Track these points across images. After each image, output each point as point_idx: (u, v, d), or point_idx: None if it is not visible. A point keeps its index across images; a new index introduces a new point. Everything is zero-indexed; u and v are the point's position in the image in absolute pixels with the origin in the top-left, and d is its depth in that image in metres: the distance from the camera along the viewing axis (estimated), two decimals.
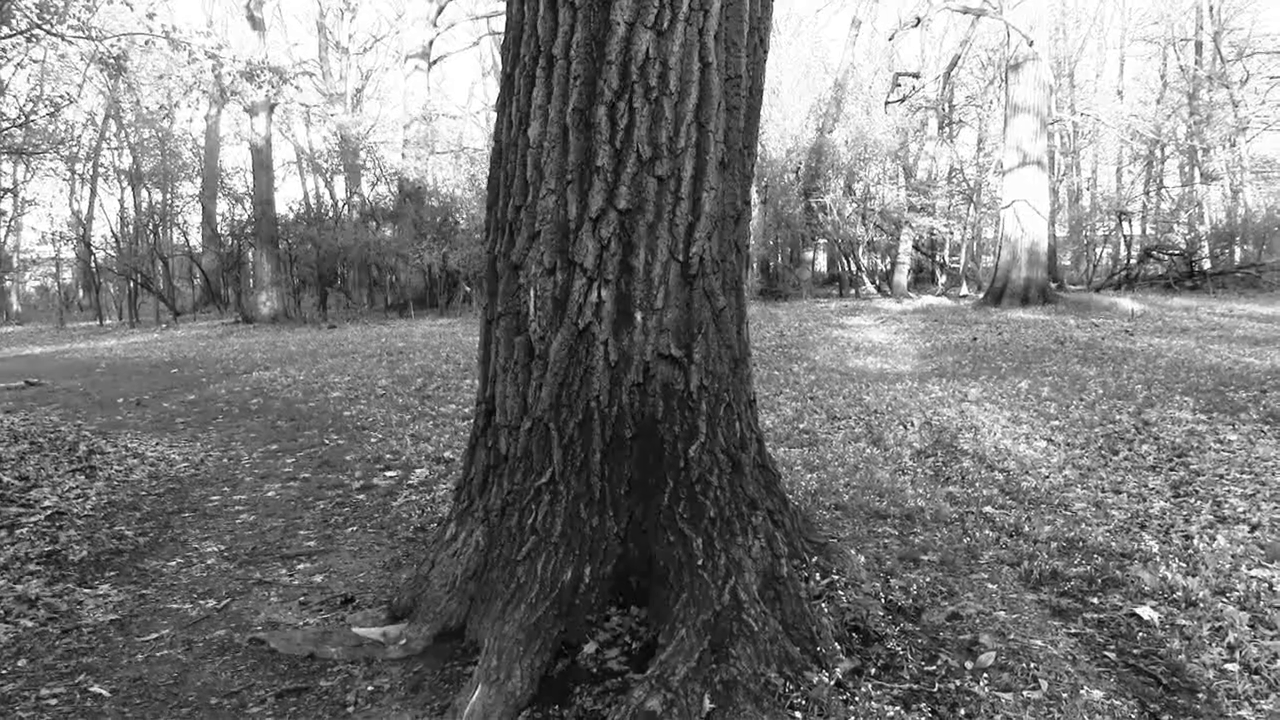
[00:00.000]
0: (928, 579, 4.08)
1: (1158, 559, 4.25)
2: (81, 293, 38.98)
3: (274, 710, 3.09)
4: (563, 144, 3.33)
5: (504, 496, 3.55)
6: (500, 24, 32.31)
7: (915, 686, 3.09)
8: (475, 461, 3.75)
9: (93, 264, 30.09)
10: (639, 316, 3.37)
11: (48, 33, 10.84)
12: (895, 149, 27.86)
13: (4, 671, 3.40)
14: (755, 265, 26.56)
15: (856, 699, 2.98)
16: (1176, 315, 16.46)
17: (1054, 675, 3.16)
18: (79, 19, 10.75)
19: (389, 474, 6.53)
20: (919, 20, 21.85)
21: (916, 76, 26.33)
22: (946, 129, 32.83)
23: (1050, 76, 21.93)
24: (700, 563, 3.26)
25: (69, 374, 13.20)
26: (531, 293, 3.43)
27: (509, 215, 3.52)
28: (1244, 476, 5.54)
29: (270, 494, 6.12)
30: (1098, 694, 3.04)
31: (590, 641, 3.31)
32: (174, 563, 4.71)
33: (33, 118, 16.22)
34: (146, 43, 14.08)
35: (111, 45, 12.91)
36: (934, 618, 3.64)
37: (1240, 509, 4.92)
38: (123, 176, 30.72)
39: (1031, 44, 19.93)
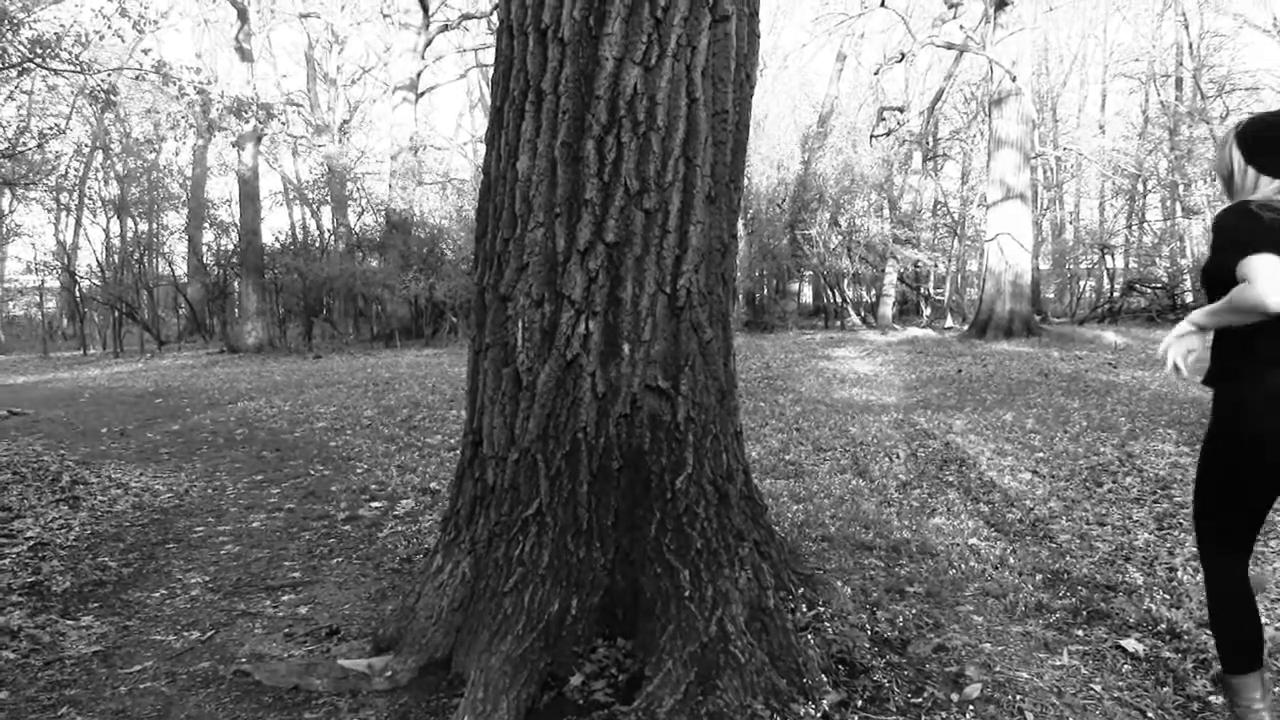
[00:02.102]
0: (914, 611, 4.08)
1: (1142, 591, 4.27)
2: (66, 322, 38.70)
3: None
4: (551, 177, 3.36)
5: (491, 528, 3.54)
6: (488, 57, 32.70)
7: (902, 719, 3.09)
8: (462, 492, 3.75)
9: (77, 293, 29.93)
10: (626, 348, 3.39)
11: (40, 66, 10.87)
12: (880, 182, 28.12)
13: None
14: (741, 297, 26.65)
15: None
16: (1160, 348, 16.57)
17: (1040, 708, 3.16)
18: (71, 52, 10.78)
19: (375, 505, 6.50)
20: (903, 55, 22.13)
21: (901, 110, 26.64)
22: (931, 162, 33.17)
23: (1033, 111, 22.19)
24: (687, 594, 3.26)
25: (52, 404, 13.11)
26: (519, 324, 3.45)
27: (497, 247, 3.54)
28: None
29: (255, 525, 6.09)
30: None
31: (577, 674, 3.29)
32: (158, 594, 4.67)
33: (20, 149, 16.20)
34: (137, 77, 14.10)
35: (102, 79, 12.94)
36: (920, 649, 3.65)
37: None
38: (108, 206, 30.64)
39: (1014, 79, 20.19)
